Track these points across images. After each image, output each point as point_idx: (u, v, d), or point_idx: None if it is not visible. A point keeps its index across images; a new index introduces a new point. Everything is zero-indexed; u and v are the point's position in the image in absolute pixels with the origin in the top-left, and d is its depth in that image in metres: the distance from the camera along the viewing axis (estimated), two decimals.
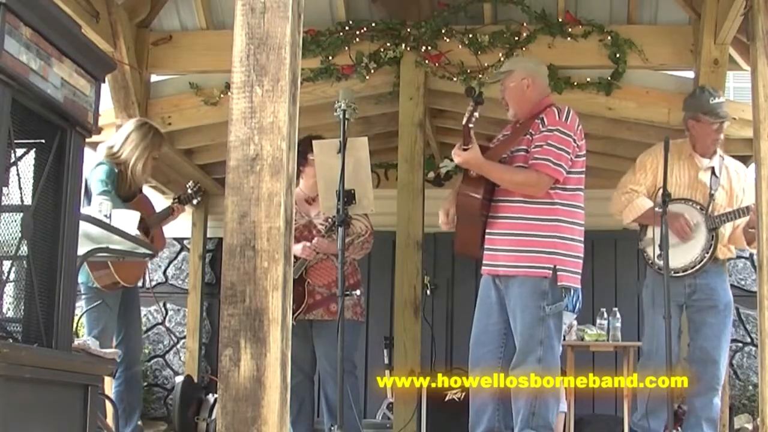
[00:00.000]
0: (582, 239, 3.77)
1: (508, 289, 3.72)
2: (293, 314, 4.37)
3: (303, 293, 4.49)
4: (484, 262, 3.82)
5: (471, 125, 3.69)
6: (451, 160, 3.87)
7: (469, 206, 3.74)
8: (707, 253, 4.17)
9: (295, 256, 4.37)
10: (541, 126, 3.73)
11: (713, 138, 4.28)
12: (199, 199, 4.97)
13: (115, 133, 4.50)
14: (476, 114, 3.69)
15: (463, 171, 3.79)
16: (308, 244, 4.49)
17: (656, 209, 4.14)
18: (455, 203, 3.80)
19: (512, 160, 3.80)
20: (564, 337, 5.17)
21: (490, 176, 3.72)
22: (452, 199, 3.90)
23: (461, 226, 3.83)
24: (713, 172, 4.30)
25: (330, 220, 4.38)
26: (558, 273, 3.65)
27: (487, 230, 3.79)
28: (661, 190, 3.89)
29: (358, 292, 4.10)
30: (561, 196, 3.71)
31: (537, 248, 3.66)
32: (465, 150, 3.65)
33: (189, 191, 4.72)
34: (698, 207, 4.23)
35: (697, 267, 4.17)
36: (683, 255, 4.15)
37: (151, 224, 4.54)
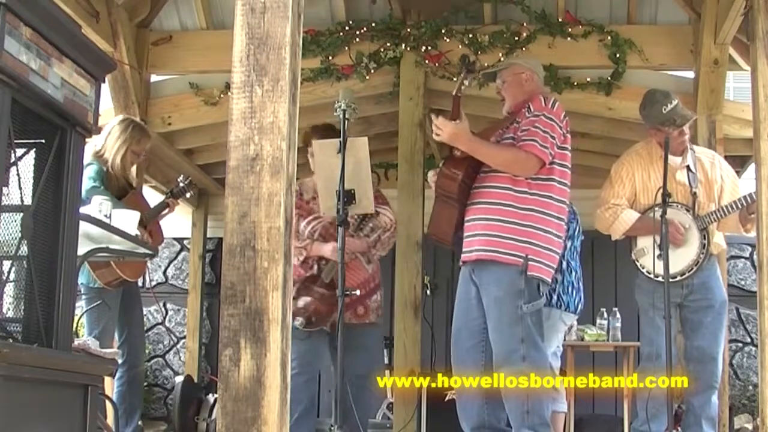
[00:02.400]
0: (559, 234, 3.71)
1: (483, 285, 3.67)
2: (326, 319, 4.09)
3: (334, 296, 4.08)
4: (462, 250, 3.77)
5: (460, 94, 3.66)
6: None
7: (447, 187, 3.71)
8: (703, 253, 4.16)
9: (325, 259, 4.17)
10: (527, 113, 3.72)
11: (679, 141, 4.23)
12: (191, 192, 4.96)
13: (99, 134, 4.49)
14: (466, 82, 3.64)
15: (448, 150, 3.74)
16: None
17: (649, 213, 4.14)
18: (435, 182, 3.77)
19: None
20: (564, 337, 5.18)
21: (478, 152, 3.67)
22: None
23: (438, 206, 3.79)
24: (689, 169, 4.27)
25: (357, 216, 4.11)
26: (530, 263, 3.57)
27: (465, 218, 3.75)
28: (658, 192, 3.88)
29: (357, 292, 4.01)
30: (542, 187, 3.67)
31: (510, 235, 3.60)
32: (452, 123, 3.61)
33: (181, 185, 4.71)
34: (684, 209, 4.21)
35: (695, 269, 4.16)
36: (679, 260, 4.12)
37: (146, 220, 4.54)
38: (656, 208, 3.93)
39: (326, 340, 4.26)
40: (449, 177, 3.71)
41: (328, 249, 4.14)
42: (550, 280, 3.73)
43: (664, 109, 4.20)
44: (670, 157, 4.24)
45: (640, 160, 4.30)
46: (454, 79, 5.50)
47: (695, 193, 4.22)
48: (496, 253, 3.61)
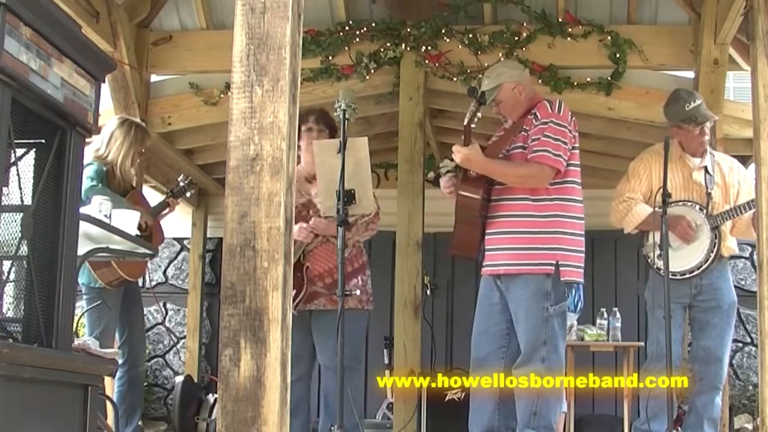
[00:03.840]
0: (582, 233, 3.76)
1: (510, 290, 3.71)
2: (292, 303, 4.11)
3: (302, 280, 4.06)
4: (485, 263, 3.81)
5: (473, 125, 3.69)
6: (452, 160, 3.86)
7: (469, 207, 3.74)
8: (712, 252, 4.17)
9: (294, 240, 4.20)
10: (534, 120, 3.73)
11: (699, 141, 4.29)
12: (192, 191, 4.96)
13: (99, 134, 4.49)
14: (479, 114, 3.67)
15: (462, 171, 3.77)
16: (305, 225, 4.07)
17: (656, 209, 4.15)
18: (455, 204, 3.79)
19: (510, 158, 3.78)
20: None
21: (493, 173, 3.71)
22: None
23: (460, 227, 3.81)
24: (706, 171, 4.30)
25: None
26: (561, 269, 3.63)
27: (486, 231, 3.78)
28: (658, 191, 3.89)
29: (358, 292, 3.97)
30: (559, 191, 3.71)
31: (539, 245, 3.65)
32: (465, 148, 3.65)
33: (181, 184, 4.71)
34: (698, 207, 4.24)
35: (704, 267, 4.17)
36: (688, 257, 4.16)
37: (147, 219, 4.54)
38: (670, 204, 3.94)
39: (308, 329, 4.16)
40: (469, 198, 3.73)
41: (294, 230, 4.05)
42: (581, 280, 3.78)
43: (687, 107, 4.25)
44: (688, 157, 4.30)
45: (658, 158, 4.31)
46: (455, 79, 5.53)
47: (710, 193, 4.25)
48: (526, 266, 3.65)
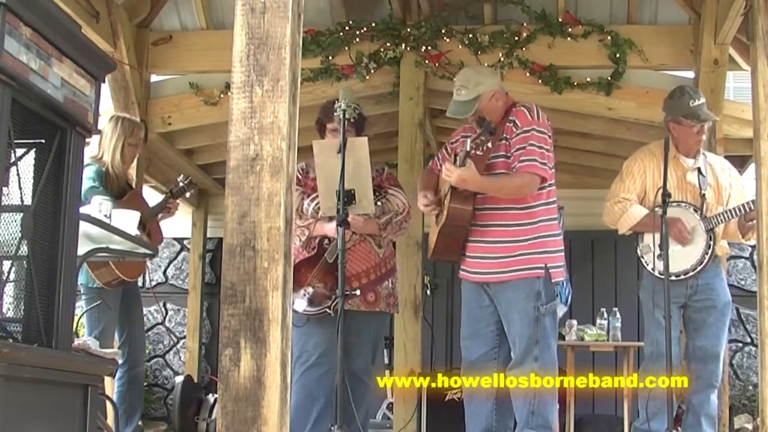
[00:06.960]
0: (560, 231, 3.83)
1: (500, 295, 3.73)
2: (330, 304, 3.91)
3: (338, 279, 3.85)
4: (469, 269, 3.82)
5: (479, 153, 3.67)
6: None
7: (461, 219, 3.75)
8: (707, 254, 4.17)
9: (329, 238, 3.98)
10: (514, 128, 3.73)
11: (696, 139, 4.27)
12: (191, 191, 4.96)
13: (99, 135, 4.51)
14: (489, 144, 3.58)
15: (450, 187, 3.74)
16: None
17: (656, 209, 4.15)
18: (446, 215, 3.77)
19: (492, 167, 3.77)
20: (564, 337, 5.17)
21: (489, 190, 3.72)
22: (425, 181, 4.00)
23: (446, 236, 3.82)
24: (700, 172, 4.30)
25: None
26: (550, 271, 3.68)
27: (470, 238, 3.80)
28: (658, 192, 3.89)
29: (358, 292, 3.94)
30: (542, 196, 3.75)
31: (528, 251, 3.68)
32: (460, 169, 3.62)
33: (180, 184, 4.70)
34: (692, 209, 4.23)
35: (699, 269, 4.17)
36: (684, 259, 4.15)
37: (145, 220, 4.53)
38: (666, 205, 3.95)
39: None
40: (462, 210, 3.73)
41: (332, 228, 3.87)
42: (564, 278, 3.85)
43: (692, 103, 4.24)
44: (681, 158, 4.29)
45: (652, 157, 4.32)
46: (455, 79, 5.51)
47: (704, 194, 4.24)
48: (517, 272, 3.68)
